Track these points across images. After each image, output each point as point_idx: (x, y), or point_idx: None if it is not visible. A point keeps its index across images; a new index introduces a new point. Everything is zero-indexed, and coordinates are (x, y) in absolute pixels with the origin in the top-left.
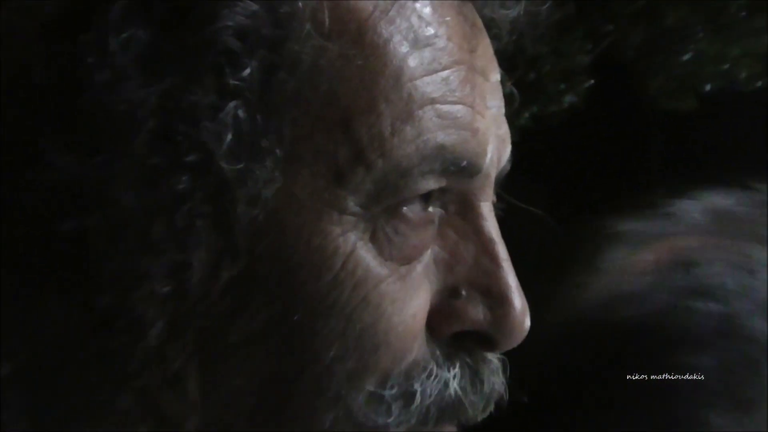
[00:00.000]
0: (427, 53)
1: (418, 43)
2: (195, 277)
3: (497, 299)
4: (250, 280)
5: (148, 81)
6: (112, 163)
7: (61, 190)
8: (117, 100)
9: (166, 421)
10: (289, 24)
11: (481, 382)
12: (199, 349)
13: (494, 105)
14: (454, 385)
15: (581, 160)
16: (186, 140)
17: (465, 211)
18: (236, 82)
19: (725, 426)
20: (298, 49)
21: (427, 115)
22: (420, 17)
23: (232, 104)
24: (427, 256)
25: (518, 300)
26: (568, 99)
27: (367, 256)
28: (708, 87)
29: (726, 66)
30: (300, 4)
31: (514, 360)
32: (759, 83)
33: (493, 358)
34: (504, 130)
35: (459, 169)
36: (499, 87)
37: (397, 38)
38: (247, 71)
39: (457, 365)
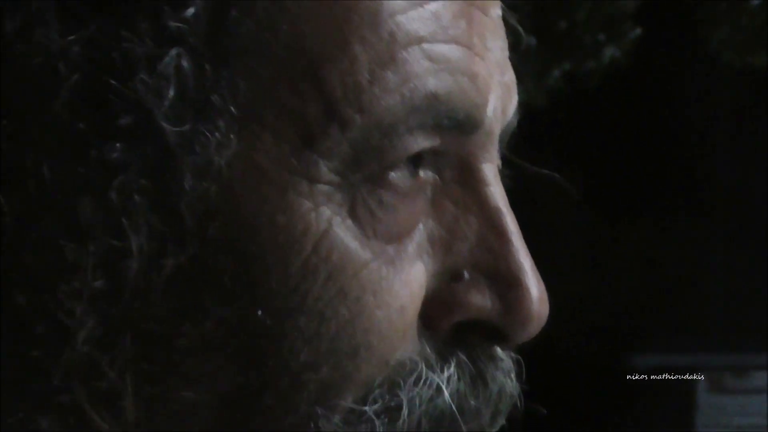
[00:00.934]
0: None
1: None
2: (133, 268)
3: (507, 282)
4: (201, 271)
5: (68, 27)
6: (26, 128)
7: None
8: (31, 52)
9: None
10: None
11: (485, 384)
12: (140, 357)
13: (496, 46)
14: (448, 391)
15: (625, 130)
16: (118, 98)
17: (464, 176)
18: (178, 25)
19: None
20: None
21: (414, 57)
22: None
23: (173, 52)
24: (420, 232)
25: (532, 282)
26: (609, 53)
27: (344, 235)
28: None
29: None
30: None
31: (532, 359)
32: None
33: (504, 357)
34: (509, 76)
35: (455, 123)
36: (502, 24)
37: None
38: (191, 11)
39: (453, 365)
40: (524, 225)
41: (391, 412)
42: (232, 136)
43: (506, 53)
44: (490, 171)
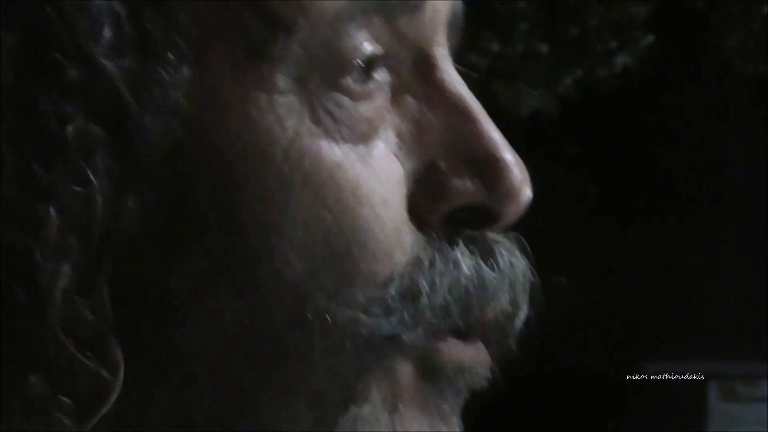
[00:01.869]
0: None
1: None
2: (98, 213)
3: (483, 160)
4: (179, 207)
5: None
6: None
7: None
8: None
9: (88, 400)
10: None
11: (496, 261)
12: (127, 301)
13: None
14: (466, 263)
15: (637, 137)
16: (59, 51)
17: (419, 69)
18: None
19: None
20: None
21: None
22: None
23: None
24: (387, 132)
25: (508, 155)
26: (621, 60)
27: (311, 141)
28: None
29: None
30: None
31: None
32: None
33: (501, 238)
34: None
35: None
36: None
37: None
38: None
39: (461, 243)
40: (536, 232)
41: (413, 294)
42: (184, 68)
43: None
44: (444, 56)
